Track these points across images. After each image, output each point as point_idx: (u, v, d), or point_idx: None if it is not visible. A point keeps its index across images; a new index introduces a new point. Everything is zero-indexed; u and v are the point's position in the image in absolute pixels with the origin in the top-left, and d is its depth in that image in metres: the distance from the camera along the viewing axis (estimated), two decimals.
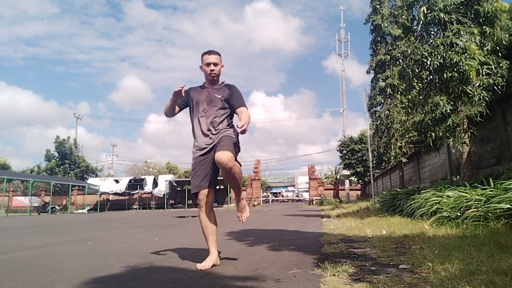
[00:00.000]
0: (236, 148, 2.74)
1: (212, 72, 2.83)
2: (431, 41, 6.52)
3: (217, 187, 18.90)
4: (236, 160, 2.67)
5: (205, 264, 2.54)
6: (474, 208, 4.02)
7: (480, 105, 5.71)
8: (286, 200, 41.23)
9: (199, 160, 2.76)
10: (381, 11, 12.37)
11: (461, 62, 5.72)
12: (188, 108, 2.95)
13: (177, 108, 2.92)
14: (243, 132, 2.59)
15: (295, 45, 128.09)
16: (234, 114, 2.89)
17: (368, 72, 13.21)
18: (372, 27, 12.77)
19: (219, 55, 2.88)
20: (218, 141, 2.73)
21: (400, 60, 10.01)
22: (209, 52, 2.86)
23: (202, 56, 2.88)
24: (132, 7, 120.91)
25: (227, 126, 2.82)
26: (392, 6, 12.15)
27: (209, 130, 2.77)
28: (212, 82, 2.89)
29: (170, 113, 2.92)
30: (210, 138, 2.77)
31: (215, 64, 2.84)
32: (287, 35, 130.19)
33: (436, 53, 6.04)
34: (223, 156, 2.51)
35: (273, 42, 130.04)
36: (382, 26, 12.30)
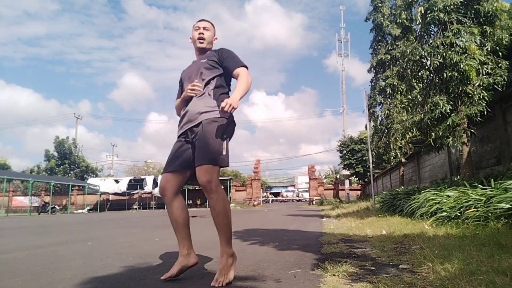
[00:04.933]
0: (225, 135, 2.19)
1: (201, 35, 2.45)
2: (431, 41, 6.52)
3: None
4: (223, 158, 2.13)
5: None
6: (474, 208, 4.02)
7: (480, 104, 5.71)
8: (286, 200, 41.25)
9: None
10: (381, 10, 12.36)
11: (461, 62, 5.72)
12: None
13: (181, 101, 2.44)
14: (232, 109, 2.05)
15: (297, 42, 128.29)
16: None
17: (369, 71, 13.22)
18: (372, 26, 12.77)
19: (212, 25, 2.55)
20: (199, 134, 2.16)
21: (400, 60, 10.01)
22: (199, 20, 2.55)
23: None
24: (132, 5, 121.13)
25: (221, 91, 2.33)
26: (393, 6, 12.14)
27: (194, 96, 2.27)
28: (201, 51, 2.48)
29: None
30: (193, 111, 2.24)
31: (205, 29, 2.49)
32: (289, 32, 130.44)
33: (436, 53, 6.04)
34: (202, 176, 2.11)
35: (275, 39, 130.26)
36: (383, 25, 12.29)
